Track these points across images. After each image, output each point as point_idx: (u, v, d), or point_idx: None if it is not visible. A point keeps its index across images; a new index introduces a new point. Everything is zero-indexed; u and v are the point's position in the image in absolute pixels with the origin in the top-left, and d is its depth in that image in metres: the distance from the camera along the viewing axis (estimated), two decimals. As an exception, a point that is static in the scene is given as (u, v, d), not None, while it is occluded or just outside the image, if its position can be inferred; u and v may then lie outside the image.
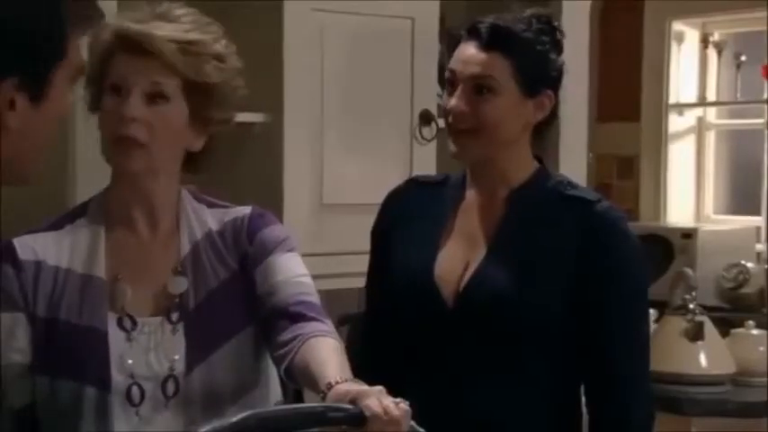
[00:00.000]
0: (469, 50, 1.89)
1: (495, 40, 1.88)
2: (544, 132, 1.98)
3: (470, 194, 1.96)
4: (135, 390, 1.69)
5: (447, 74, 1.92)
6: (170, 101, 1.68)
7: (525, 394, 1.88)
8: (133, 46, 1.66)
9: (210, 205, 1.80)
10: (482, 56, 1.88)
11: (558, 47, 1.94)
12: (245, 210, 1.81)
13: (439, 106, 2.75)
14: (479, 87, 1.87)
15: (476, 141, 1.89)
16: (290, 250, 1.79)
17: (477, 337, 1.88)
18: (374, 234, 2.03)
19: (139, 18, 1.69)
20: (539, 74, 1.90)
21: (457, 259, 1.92)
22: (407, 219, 1.98)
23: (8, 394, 1.70)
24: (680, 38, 5.12)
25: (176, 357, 1.71)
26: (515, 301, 1.85)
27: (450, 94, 1.90)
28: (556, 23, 1.95)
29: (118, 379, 1.68)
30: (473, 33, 1.89)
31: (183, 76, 1.67)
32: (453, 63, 1.91)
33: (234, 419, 1.38)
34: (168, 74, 1.66)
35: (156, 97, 1.67)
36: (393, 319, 1.93)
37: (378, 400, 1.46)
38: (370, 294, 2.04)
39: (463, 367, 1.86)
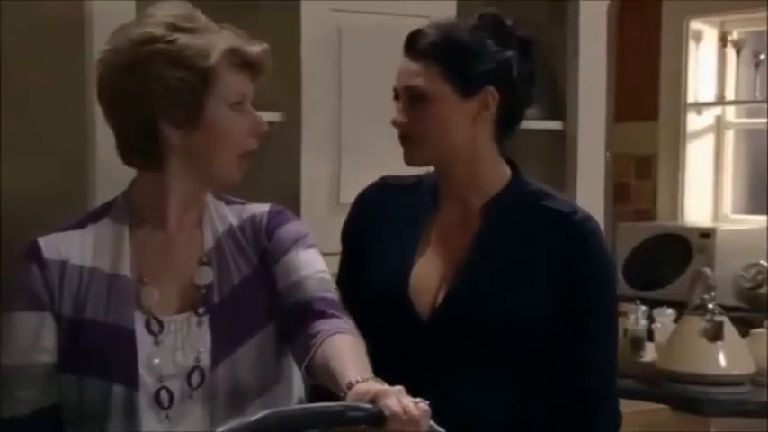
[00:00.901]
0: (403, 63, 1.93)
1: (421, 48, 1.90)
2: (510, 135, 1.97)
3: (444, 205, 1.96)
4: (164, 393, 1.69)
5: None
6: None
7: (500, 402, 1.88)
8: (245, 65, 1.72)
9: (228, 202, 1.82)
10: (412, 66, 1.91)
11: (505, 41, 1.92)
12: (264, 207, 1.82)
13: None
14: (413, 98, 1.91)
15: (419, 147, 1.92)
16: (310, 246, 1.79)
17: (451, 350, 1.88)
18: (345, 236, 2.02)
19: (237, 35, 1.73)
20: (473, 72, 1.90)
21: (432, 273, 1.91)
22: (380, 224, 1.98)
23: (34, 394, 1.70)
24: (698, 37, 5.10)
25: (202, 350, 1.71)
26: (491, 315, 1.86)
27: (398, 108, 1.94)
28: (504, 19, 1.94)
29: (146, 379, 1.69)
30: (406, 45, 1.93)
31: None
32: (397, 74, 1.94)
33: (253, 418, 1.38)
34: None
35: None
36: (366, 328, 1.86)
37: (397, 399, 1.46)
38: (341, 297, 2.02)
39: (434, 380, 1.82)
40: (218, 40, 1.70)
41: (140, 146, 1.72)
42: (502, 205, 1.92)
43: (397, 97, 1.95)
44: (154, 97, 1.68)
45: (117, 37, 1.73)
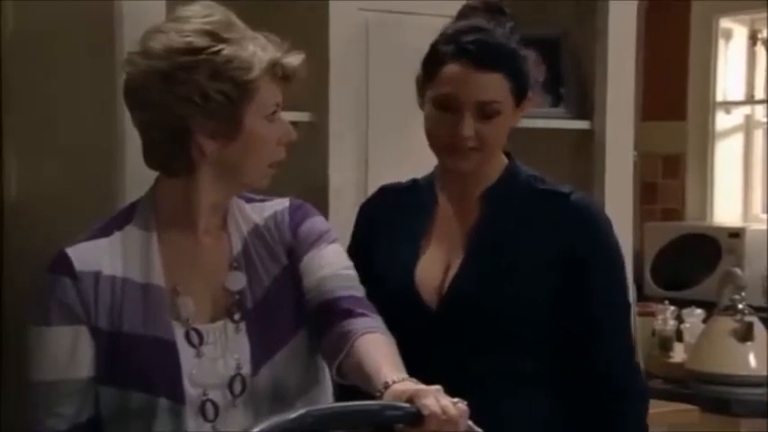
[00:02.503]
0: (466, 73, 1.87)
1: (490, 59, 1.87)
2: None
3: (443, 199, 1.97)
4: (209, 406, 1.67)
5: (435, 94, 1.90)
6: None
7: (518, 391, 1.88)
8: (283, 76, 1.71)
9: (248, 201, 1.79)
10: (482, 78, 1.87)
11: (522, 40, 1.94)
12: (284, 202, 1.80)
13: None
14: (485, 111, 1.87)
15: (481, 159, 1.91)
16: (333, 242, 1.78)
17: (463, 338, 1.88)
18: (352, 248, 1.97)
19: (272, 41, 1.71)
20: (527, 82, 1.93)
21: (437, 264, 1.92)
22: (384, 228, 1.99)
23: (72, 409, 1.69)
24: (727, 35, 5.06)
25: (242, 357, 1.69)
26: (498, 300, 1.87)
27: (446, 112, 1.88)
28: (505, 9, 1.95)
29: (190, 392, 1.67)
30: (463, 53, 1.88)
31: None
32: (448, 86, 1.88)
33: (291, 416, 1.38)
34: None
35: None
36: None
37: (435, 399, 1.46)
38: None
39: (450, 369, 1.81)
40: (259, 52, 1.67)
41: (170, 151, 1.69)
42: (499, 193, 1.94)
43: (447, 107, 1.89)
44: (191, 106, 1.65)
45: (151, 40, 1.68)
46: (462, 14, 1.98)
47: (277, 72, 1.69)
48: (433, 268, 1.92)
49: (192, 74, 1.64)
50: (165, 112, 1.67)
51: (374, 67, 2.56)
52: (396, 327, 1.81)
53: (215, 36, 1.66)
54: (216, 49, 1.65)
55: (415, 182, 2.04)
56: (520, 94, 1.91)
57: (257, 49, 1.67)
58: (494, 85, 1.87)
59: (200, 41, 1.65)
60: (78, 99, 2.37)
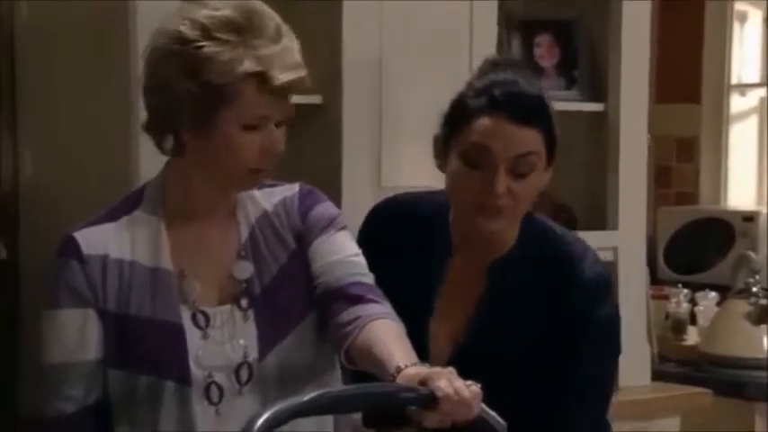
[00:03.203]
0: (501, 126, 1.78)
1: (526, 113, 1.79)
2: None
3: (458, 254, 1.89)
4: (213, 388, 1.68)
5: (465, 148, 1.81)
6: None
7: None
8: (270, 91, 1.65)
9: (259, 187, 1.78)
10: (518, 131, 1.78)
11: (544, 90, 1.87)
12: (293, 188, 1.80)
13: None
14: (520, 166, 1.79)
15: (509, 220, 1.83)
16: (342, 228, 1.78)
17: None
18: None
19: (286, 48, 1.66)
20: (557, 138, 1.84)
21: (443, 330, 1.87)
22: (395, 256, 1.90)
23: (80, 391, 1.70)
24: (742, 17, 5.03)
25: (249, 344, 1.70)
26: (500, 370, 1.79)
27: (476, 169, 1.79)
28: (527, 66, 1.89)
29: (196, 374, 1.68)
30: (497, 106, 1.79)
31: None
32: (480, 139, 1.79)
33: (305, 398, 1.39)
34: None
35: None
36: None
37: (449, 381, 1.46)
38: None
39: None
40: (247, 61, 1.61)
41: (158, 126, 1.70)
42: (511, 263, 1.87)
43: (478, 162, 1.80)
44: (169, 97, 1.65)
45: (171, 16, 1.68)
46: (484, 70, 1.89)
47: (265, 85, 1.63)
48: (440, 334, 1.87)
49: (171, 61, 1.63)
50: (155, 87, 1.68)
51: (387, 49, 2.56)
52: None
53: (206, 32, 1.62)
54: (200, 44, 1.61)
55: (431, 208, 1.92)
56: (551, 153, 1.83)
57: (246, 58, 1.61)
58: (531, 139, 1.79)
59: (190, 33, 1.63)
60: (92, 87, 2.38)
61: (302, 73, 1.66)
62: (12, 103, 2.52)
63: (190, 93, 1.63)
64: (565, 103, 2.87)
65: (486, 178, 1.79)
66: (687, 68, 5.01)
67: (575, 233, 1.99)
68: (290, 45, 1.67)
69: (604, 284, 1.91)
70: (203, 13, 1.65)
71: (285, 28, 1.69)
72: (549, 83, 2.88)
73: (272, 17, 1.68)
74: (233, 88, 1.62)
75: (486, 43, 2.69)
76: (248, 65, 1.62)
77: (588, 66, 2.93)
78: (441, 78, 2.61)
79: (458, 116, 1.84)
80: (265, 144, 1.66)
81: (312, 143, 2.54)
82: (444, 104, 2.64)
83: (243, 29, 1.64)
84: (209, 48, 1.62)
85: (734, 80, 5.05)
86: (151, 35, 1.69)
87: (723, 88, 5.04)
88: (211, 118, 1.64)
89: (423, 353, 1.65)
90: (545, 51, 2.90)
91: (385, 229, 1.95)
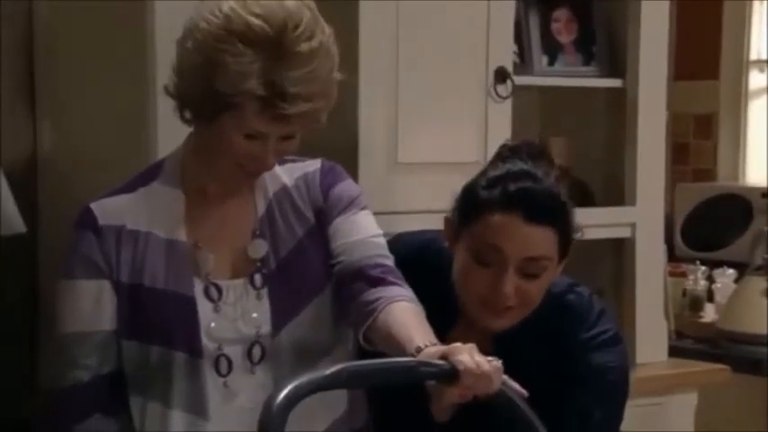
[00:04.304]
0: (514, 225, 1.71)
1: (541, 213, 1.72)
2: None
3: (461, 325, 1.81)
4: (223, 360, 1.69)
5: (476, 246, 1.74)
6: None
7: None
8: (273, 117, 1.63)
9: (281, 162, 1.78)
10: (533, 232, 1.72)
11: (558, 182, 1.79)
12: (315, 163, 1.80)
13: (515, 64, 2.73)
14: (531, 268, 1.73)
15: (512, 317, 1.77)
16: (364, 208, 1.78)
17: None
18: None
19: (303, 62, 1.62)
20: (572, 235, 1.78)
21: None
22: None
23: (94, 361, 1.71)
24: (762, -7, 4.99)
25: (262, 321, 1.70)
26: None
27: (485, 266, 1.73)
28: (546, 152, 1.78)
29: (207, 346, 1.69)
30: (512, 203, 1.72)
31: None
32: (491, 238, 1.72)
33: (327, 372, 1.39)
34: None
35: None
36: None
37: (470, 355, 1.46)
38: None
39: None
40: (256, 78, 1.57)
41: (176, 94, 1.70)
42: (510, 341, 1.79)
43: (488, 261, 1.73)
44: (183, 83, 1.65)
45: (203, 10, 1.64)
46: (501, 156, 1.82)
47: (267, 110, 1.60)
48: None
49: (190, 50, 1.62)
50: (175, 67, 1.68)
51: (404, 25, 2.54)
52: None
53: (229, 35, 1.58)
54: (220, 47, 1.58)
55: (434, 264, 1.83)
56: (565, 250, 1.77)
57: (255, 77, 1.57)
58: (544, 241, 1.73)
59: (215, 31, 1.60)
60: (112, 59, 2.38)
61: (316, 105, 1.61)
62: (30, 79, 2.53)
63: (198, 89, 1.62)
64: (583, 80, 2.86)
65: (495, 276, 1.74)
66: (706, 45, 4.98)
67: (582, 291, 1.89)
68: (317, 72, 1.61)
69: (608, 341, 1.83)
70: (240, 10, 1.59)
71: (329, 45, 1.63)
72: (567, 58, 2.87)
73: (310, 37, 1.61)
74: (237, 99, 1.59)
75: (503, 15, 2.67)
76: (254, 85, 1.58)
77: (606, 41, 2.91)
78: (457, 52, 2.61)
79: (470, 206, 1.78)
80: (258, 153, 1.65)
81: (328, 119, 2.53)
82: (460, 77, 2.63)
83: (267, 44, 1.58)
84: (224, 54, 1.58)
85: (752, 56, 5.01)
86: (196, 7, 1.66)
87: (741, 64, 5.00)
88: (213, 119, 1.63)
89: (426, 414, 1.55)
90: (563, 27, 2.88)
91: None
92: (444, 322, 1.78)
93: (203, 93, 1.61)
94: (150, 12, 2.24)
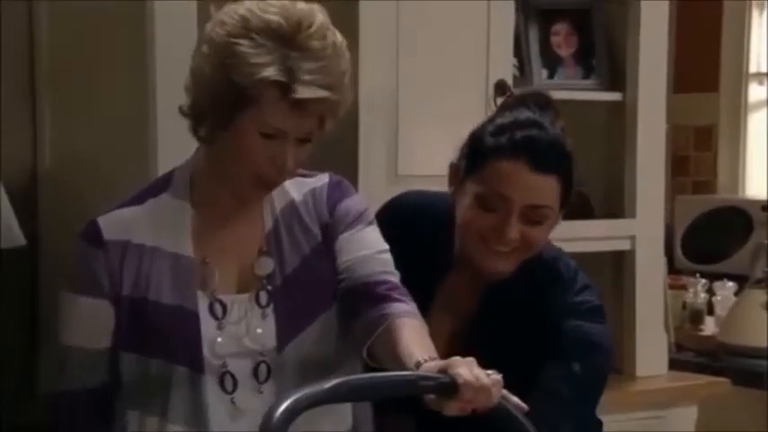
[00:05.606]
0: (520, 173, 1.73)
1: (547, 161, 1.74)
2: None
3: (457, 270, 1.84)
4: (228, 377, 1.68)
5: (481, 192, 1.76)
6: None
7: None
8: (293, 103, 1.62)
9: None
10: (537, 180, 1.74)
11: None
12: (323, 178, 1.79)
13: (515, 78, 2.73)
14: (533, 216, 1.76)
15: (514, 260, 1.79)
16: (370, 223, 1.77)
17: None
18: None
19: (318, 56, 1.62)
20: (573, 183, 1.80)
21: (435, 341, 1.78)
22: (399, 258, 1.81)
23: (87, 374, 1.72)
24: (761, 5, 5.00)
25: (267, 338, 1.70)
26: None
27: (489, 211, 1.75)
28: (553, 103, 1.81)
29: (211, 362, 1.68)
30: (518, 151, 1.74)
31: None
32: (497, 185, 1.75)
33: (326, 385, 1.39)
34: None
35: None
36: None
37: (468, 368, 1.46)
38: None
39: None
40: (274, 66, 1.58)
41: (198, 120, 1.68)
42: (505, 288, 1.82)
43: (493, 207, 1.76)
44: (201, 87, 1.65)
45: (225, 9, 1.65)
46: (507, 105, 1.85)
47: (286, 97, 1.60)
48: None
49: (209, 51, 1.62)
50: (193, 71, 1.67)
51: (404, 37, 2.55)
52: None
53: (247, 30, 1.60)
54: (235, 41, 1.59)
55: (434, 228, 1.85)
56: (566, 197, 1.80)
57: (273, 65, 1.58)
58: (547, 189, 1.75)
59: (232, 28, 1.61)
60: (112, 71, 2.38)
61: (333, 95, 1.62)
62: (30, 90, 2.53)
63: (214, 93, 1.62)
64: (583, 93, 2.87)
65: (499, 222, 1.76)
66: (705, 57, 4.99)
67: (570, 262, 1.92)
68: (334, 67, 1.62)
69: (592, 309, 1.85)
70: (256, 10, 1.62)
71: (341, 49, 1.65)
72: (567, 72, 2.87)
73: (325, 35, 1.63)
74: (255, 92, 1.59)
75: (503, 28, 2.68)
76: (272, 72, 1.59)
77: (606, 55, 2.91)
78: (457, 64, 2.61)
79: (476, 152, 1.80)
80: (277, 155, 1.64)
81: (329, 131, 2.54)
82: (460, 90, 2.64)
83: (285, 37, 1.60)
84: (242, 47, 1.60)
85: (752, 69, 5.02)
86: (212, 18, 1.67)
87: (741, 77, 5.01)
88: (232, 119, 1.62)
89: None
90: (562, 40, 2.89)
91: (392, 231, 1.88)
92: (439, 270, 1.81)
93: (220, 94, 1.62)
94: (150, 17, 2.24)
